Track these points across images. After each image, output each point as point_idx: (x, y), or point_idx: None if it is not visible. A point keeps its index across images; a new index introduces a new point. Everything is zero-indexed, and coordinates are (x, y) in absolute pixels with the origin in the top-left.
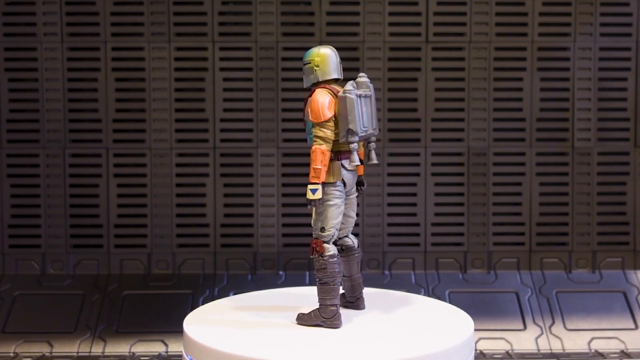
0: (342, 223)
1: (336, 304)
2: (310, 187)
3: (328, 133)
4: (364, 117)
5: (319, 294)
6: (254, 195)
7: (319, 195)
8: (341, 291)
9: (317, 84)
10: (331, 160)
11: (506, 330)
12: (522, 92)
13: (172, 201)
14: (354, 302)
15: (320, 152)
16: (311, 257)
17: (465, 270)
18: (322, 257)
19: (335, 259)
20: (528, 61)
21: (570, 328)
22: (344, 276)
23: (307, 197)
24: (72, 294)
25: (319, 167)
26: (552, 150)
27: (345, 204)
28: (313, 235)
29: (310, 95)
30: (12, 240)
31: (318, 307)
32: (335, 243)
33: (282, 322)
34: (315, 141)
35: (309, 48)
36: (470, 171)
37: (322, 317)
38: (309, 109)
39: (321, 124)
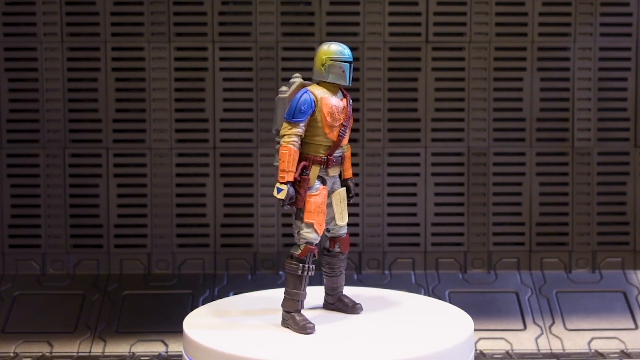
0: None
1: None
2: None
3: None
4: None
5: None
6: (254, 195)
7: None
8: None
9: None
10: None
11: (506, 330)
12: (522, 92)
13: (172, 201)
14: None
15: None
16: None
17: (465, 270)
18: None
19: None
20: (528, 61)
21: (570, 328)
22: None
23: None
24: (72, 294)
25: None
26: (552, 150)
27: None
28: (344, 231)
29: (347, 97)
30: (12, 240)
31: (342, 293)
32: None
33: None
34: None
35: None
36: (470, 171)
37: None
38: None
39: None
